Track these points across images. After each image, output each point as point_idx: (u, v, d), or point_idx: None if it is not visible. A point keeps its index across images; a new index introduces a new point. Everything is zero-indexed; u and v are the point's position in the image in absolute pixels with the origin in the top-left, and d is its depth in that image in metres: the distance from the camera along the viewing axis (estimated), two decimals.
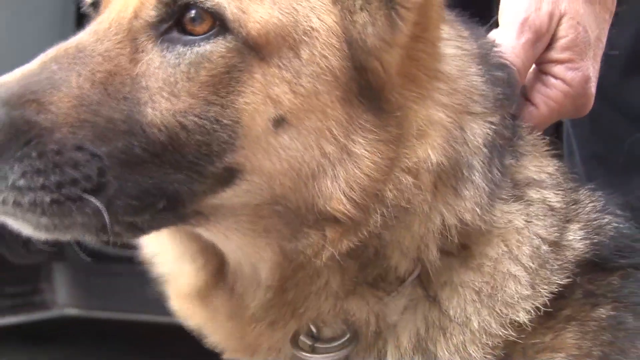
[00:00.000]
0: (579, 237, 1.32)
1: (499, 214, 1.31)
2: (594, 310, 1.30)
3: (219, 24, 1.23)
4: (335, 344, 1.33)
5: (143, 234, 1.33)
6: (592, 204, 1.38)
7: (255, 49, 1.24)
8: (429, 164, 1.24)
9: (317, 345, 1.33)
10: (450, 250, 1.29)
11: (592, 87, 1.48)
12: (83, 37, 1.28)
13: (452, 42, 1.34)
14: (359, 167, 1.24)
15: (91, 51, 1.27)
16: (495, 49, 1.41)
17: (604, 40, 1.53)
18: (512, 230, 1.31)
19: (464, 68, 1.33)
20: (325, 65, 1.25)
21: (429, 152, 1.24)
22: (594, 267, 1.33)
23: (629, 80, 2.01)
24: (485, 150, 1.29)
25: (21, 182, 1.17)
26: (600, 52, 1.52)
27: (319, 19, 1.26)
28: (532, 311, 1.28)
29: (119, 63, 1.26)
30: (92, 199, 1.17)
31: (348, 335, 1.32)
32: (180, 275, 1.39)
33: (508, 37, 1.45)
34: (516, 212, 1.32)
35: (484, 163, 1.29)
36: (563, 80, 1.45)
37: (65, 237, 1.23)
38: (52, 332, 5.09)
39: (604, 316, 1.30)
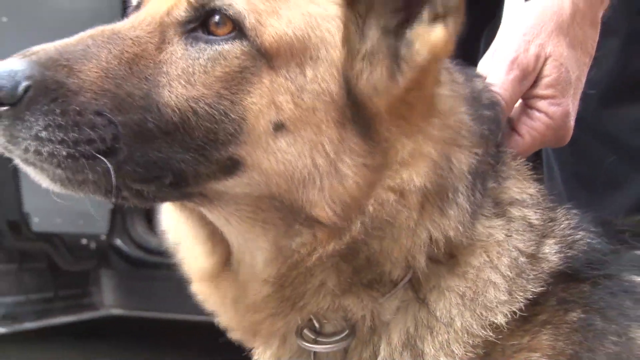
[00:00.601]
0: (554, 251, 1.33)
1: (482, 228, 1.32)
2: (567, 315, 1.31)
3: (238, 29, 1.26)
4: (335, 338, 1.33)
5: (148, 203, 1.35)
6: (567, 222, 1.38)
7: (267, 57, 1.27)
8: (412, 187, 1.26)
9: (319, 339, 1.34)
10: (439, 259, 1.30)
11: (571, 121, 1.50)
12: (119, 24, 1.31)
13: (447, 85, 1.34)
14: (342, 185, 1.26)
15: (124, 35, 1.29)
16: (487, 90, 1.41)
17: (584, 79, 1.54)
18: (493, 243, 1.31)
19: (455, 107, 1.33)
20: (325, 88, 1.27)
21: (414, 177, 1.26)
22: (568, 277, 1.34)
23: (604, 111, 2.00)
24: (469, 176, 1.30)
25: (43, 134, 1.18)
26: (579, 91, 1.52)
27: (326, 50, 1.28)
28: (509, 315, 1.29)
29: (146, 48, 1.29)
30: (103, 159, 1.18)
31: (347, 331, 1.33)
32: (195, 259, 1.41)
33: (499, 73, 1.46)
34: (498, 227, 1.33)
35: (467, 187, 1.30)
36: (546, 113, 1.46)
37: (78, 192, 1.24)
38: (99, 329, 5.18)
39: (575, 319, 1.31)
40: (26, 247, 4.05)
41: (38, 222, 4.07)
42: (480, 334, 1.28)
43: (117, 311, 4.34)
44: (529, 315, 1.30)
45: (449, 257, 1.30)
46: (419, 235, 1.27)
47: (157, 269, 3.88)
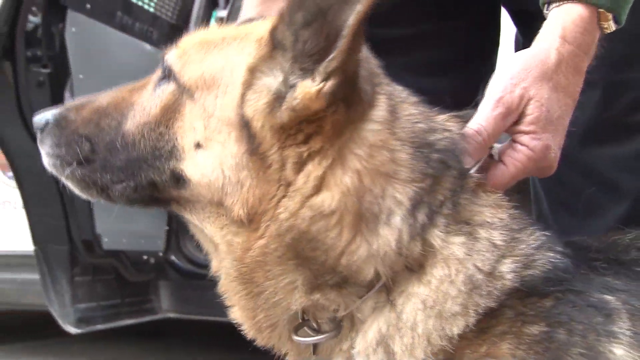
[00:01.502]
0: (510, 269, 1.29)
1: (443, 245, 1.28)
2: (527, 327, 1.25)
3: (172, 75, 1.40)
4: (325, 335, 1.33)
5: (132, 204, 1.45)
6: (533, 242, 1.33)
7: (188, 92, 1.37)
8: (328, 209, 1.25)
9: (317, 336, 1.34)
10: (411, 267, 1.28)
11: (553, 154, 1.47)
12: (131, 83, 1.51)
13: (382, 124, 1.31)
14: (245, 192, 1.29)
15: (123, 89, 1.49)
16: (446, 137, 1.36)
17: (567, 119, 1.50)
18: (454, 259, 1.28)
19: (387, 145, 1.29)
20: (227, 114, 1.32)
21: (327, 200, 1.25)
22: (524, 293, 1.28)
23: (586, 148, 2.00)
24: (407, 203, 1.26)
25: (48, 148, 1.45)
26: (562, 128, 1.49)
27: (227, 90, 1.34)
28: (461, 327, 1.26)
29: (130, 96, 1.46)
30: (75, 166, 1.42)
31: (334, 329, 1.33)
32: (211, 263, 1.46)
33: (486, 109, 1.44)
34: (460, 245, 1.29)
35: (406, 212, 1.26)
36: (527, 146, 1.44)
37: (79, 191, 1.45)
38: (158, 330, 5.38)
39: (536, 332, 1.25)
40: (98, 262, 4.11)
41: (107, 242, 4.07)
42: (439, 342, 1.26)
43: (172, 315, 4.41)
44: (487, 327, 1.27)
45: (419, 266, 1.29)
46: (356, 249, 1.25)
47: (204, 280, 3.52)
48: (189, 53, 1.41)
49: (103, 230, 4.08)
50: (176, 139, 1.37)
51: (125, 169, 1.40)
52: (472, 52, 2.19)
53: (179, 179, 1.36)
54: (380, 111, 1.32)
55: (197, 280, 4.23)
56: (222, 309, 1.42)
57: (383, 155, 1.28)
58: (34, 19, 3.81)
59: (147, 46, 4.49)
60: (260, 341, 1.39)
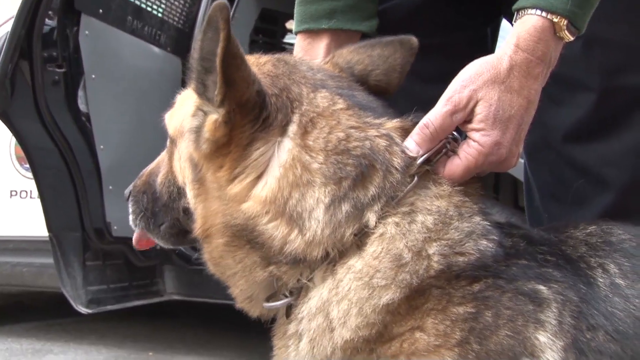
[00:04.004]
0: (436, 252, 1.30)
1: (377, 225, 1.33)
2: (453, 306, 1.27)
3: (167, 132, 1.57)
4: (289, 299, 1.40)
5: (172, 240, 1.61)
6: (465, 230, 1.33)
7: (174, 142, 1.53)
8: (252, 214, 1.34)
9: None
10: (357, 244, 1.33)
11: (503, 150, 1.46)
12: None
13: (292, 140, 1.36)
14: (199, 209, 1.42)
15: (161, 155, 1.64)
16: (359, 145, 1.37)
17: (520, 118, 1.48)
18: (387, 238, 1.32)
19: (300, 159, 1.34)
20: (185, 153, 1.47)
21: (256, 207, 1.34)
22: (456, 276, 1.29)
23: (578, 146, 2.00)
24: (327, 199, 1.32)
25: (129, 208, 1.64)
26: (513, 126, 1.47)
27: (184, 134, 1.45)
28: (389, 299, 1.28)
29: (163, 157, 1.63)
30: (144, 215, 1.61)
31: (294, 295, 1.39)
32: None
33: (437, 106, 1.46)
34: (394, 225, 1.33)
35: (326, 208, 1.32)
36: (478, 142, 1.45)
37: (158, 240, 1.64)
38: (163, 310, 5.44)
39: (462, 311, 1.26)
40: (108, 248, 4.16)
41: (117, 229, 4.11)
42: (369, 313, 1.29)
43: (176, 297, 4.47)
44: (417, 305, 1.29)
45: (362, 244, 1.33)
46: (294, 239, 1.32)
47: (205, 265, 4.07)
48: (172, 113, 1.56)
49: (113, 219, 4.13)
50: (176, 181, 1.52)
51: (161, 213, 1.58)
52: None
53: (186, 212, 1.50)
54: (292, 126, 1.38)
55: (199, 265, 4.14)
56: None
57: (296, 169, 1.35)
58: (50, 22, 3.89)
59: (155, 49, 4.56)
60: (247, 312, 1.48)
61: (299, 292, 1.39)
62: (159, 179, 1.59)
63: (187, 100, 1.50)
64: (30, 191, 4.70)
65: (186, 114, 1.47)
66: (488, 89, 1.47)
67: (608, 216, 1.64)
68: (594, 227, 1.46)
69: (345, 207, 1.34)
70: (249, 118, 1.36)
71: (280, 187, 1.35)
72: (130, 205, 1.65)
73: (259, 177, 1.36)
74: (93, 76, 4.05)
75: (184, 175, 1.48)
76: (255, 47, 4.96)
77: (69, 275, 3.96)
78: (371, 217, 1.34)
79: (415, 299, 1.29)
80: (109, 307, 4.18)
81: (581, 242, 1.42)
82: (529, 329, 1.25)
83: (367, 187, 1.35)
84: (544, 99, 1.55)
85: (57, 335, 5.19)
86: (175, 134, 1.52)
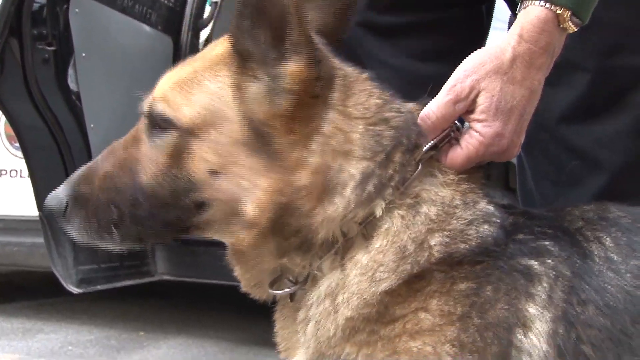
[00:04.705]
0: (437, 243, 1.33)
1: (384, 216, 1.35)
2: (456, 285, 1.31)
3: (169, 123, 1.41)
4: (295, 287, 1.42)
5: (166, 240, 1.58)
6: (467, 219, 1.36)
7: (190, 132, 1.39)
8: (301, 184, 1.33)
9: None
10: (365, 235, 1.36)
11: (504, 141, 1.47)
12: (117, 141, 1.51)
13: (335, 108, 1.37)
14: (260, 193, 1.35)
15: (118, 147, 1.50)
16: (400, 118, 1.40)
17: (522, 108, 1.48)
18: (393, 231, 1.34)
19: (342, 127, 1.36)
20: (232, 136, 1.37)
21: (301, 179, 1.33)
22: (459, 262, 1.33)
23: (572, 127, 2.02)
24: (358, 177, 1.34)
25: (81, 226, 1.44)
26: (515, 117, 1.47)
27: (224, 117, 1.37)
28: (386, 286, 1.32)
29: (130, 152, 1.47)
30: (114, 230, 1.41)
31: (300, 282, 1.41)
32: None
33: (439, 96, 1.47)
34: (399, 218, 1.35)
35: (356, 184, 1.34)
36: (479, 133, 1.46)
37: (124, 245, 1.47)
38: (153, 291, 5.45)
39: (464, 288, 1.30)
40: None
41: None
42: (368, 298, 1.32)
43: (167, 277, 4.43)
44: (419, 288, 1.32)
45: (369, 236, 1.35)
46: (315, 214, 1.34)
47: (197, 246, 4.03)
48: (172, 98, 1.43)
49: None
50: (189, 174, 1.40)
51: (151, 216, 1.43)
52: (470, 39, 2.19)
53: (200, 206, 1.41)
54: (335, 92, 1.38)
55: (191, 246, 4.23)
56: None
57: (339, 137, 1.36)
58: (39, 0, 3.79)
59: (146, 27, 4.51)
60: (253, 295, 1.49)
61: (306, 279, 1.40)
62: (147, 178, 1.44)
63: (200, 79, 1.41)
64: (21, 170, 4.68)
65: (218, 92, 1.40)
66: (490, 79, 1.47)
67: (602, 198, 1.65)
68: (590, 206, 1.48)
69: (370, 186, 1.36)
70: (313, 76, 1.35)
71: (326, 153, 1.35)
72: (82, 223, 1.46)
73: (309, 147, 1.36)
74: (83, 54, 3.99)
75: (213, 165, 1.38)
76: None
77: (59, 255, 3.91)
78: (379, 204, 1.36)
79: (415, 283, 1.32)
80: (100, 287, 4.14)
81: (578, 218, 1.44)
82: (521, 301, 1.30)
83: (389, 166, 1.38)
84: None
85: (48, 314, 5.19)
86: (196, 123, 1.39)
